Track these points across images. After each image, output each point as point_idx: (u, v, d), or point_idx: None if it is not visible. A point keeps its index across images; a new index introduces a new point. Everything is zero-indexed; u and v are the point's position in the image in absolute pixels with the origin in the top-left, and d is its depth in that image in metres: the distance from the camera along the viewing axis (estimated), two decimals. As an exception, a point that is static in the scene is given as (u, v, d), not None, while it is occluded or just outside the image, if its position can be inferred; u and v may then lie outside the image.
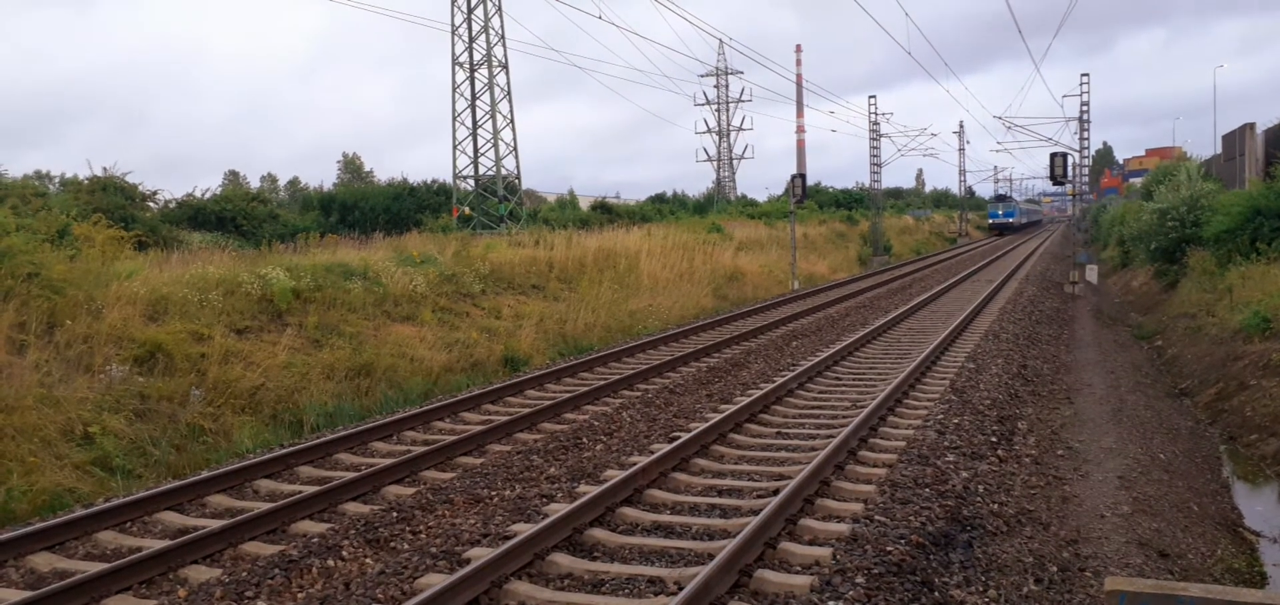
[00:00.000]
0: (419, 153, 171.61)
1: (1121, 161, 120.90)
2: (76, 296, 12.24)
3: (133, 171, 31.77)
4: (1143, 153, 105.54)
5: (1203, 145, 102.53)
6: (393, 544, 7.08)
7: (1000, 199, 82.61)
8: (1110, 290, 29.89)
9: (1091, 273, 28.94)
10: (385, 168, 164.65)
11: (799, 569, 6.28)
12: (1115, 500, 8.28)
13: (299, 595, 6.18)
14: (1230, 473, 10.36)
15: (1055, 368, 15.02)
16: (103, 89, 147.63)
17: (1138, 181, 65.50)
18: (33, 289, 11.87)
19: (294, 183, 73.16)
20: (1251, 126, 29.39)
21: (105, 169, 28.63)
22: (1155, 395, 13.59)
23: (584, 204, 56.80)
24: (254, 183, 69.32)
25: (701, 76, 79.35)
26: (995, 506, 7.82)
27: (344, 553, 6.85)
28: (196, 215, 32.45)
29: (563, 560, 6.47)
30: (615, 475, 8.31)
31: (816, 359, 14.20)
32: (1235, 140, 30.81)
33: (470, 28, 36.53)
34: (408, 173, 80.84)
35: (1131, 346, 18.37)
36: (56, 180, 45.67)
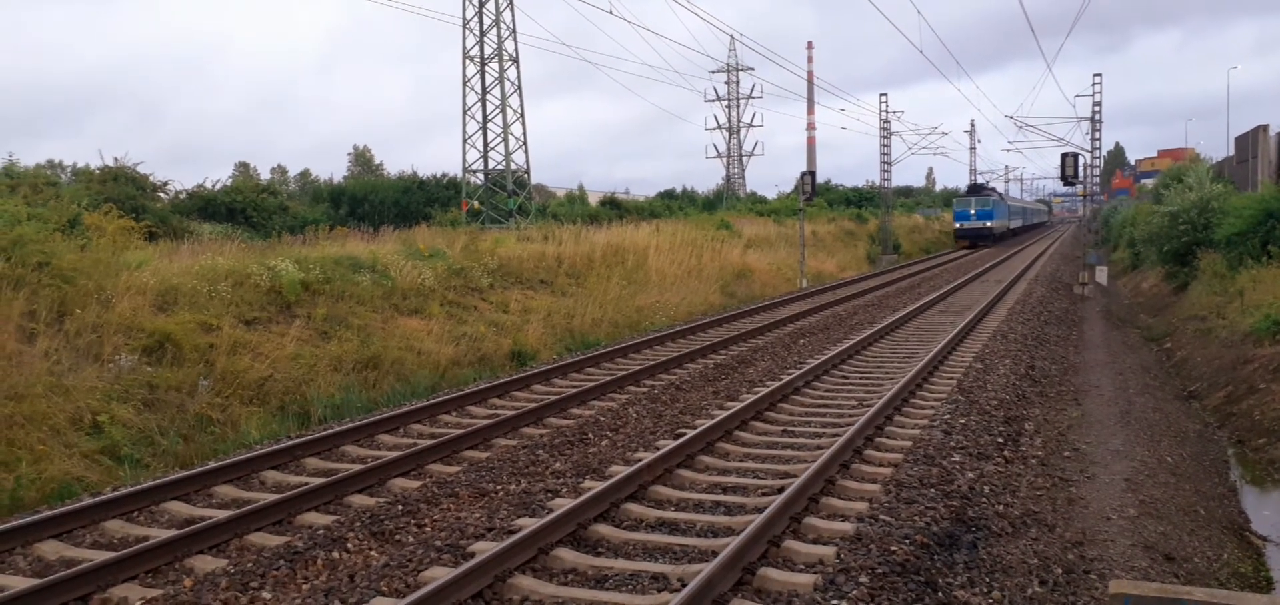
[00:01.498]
0: (431, 147, 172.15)
1: (1133, 162, 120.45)
2: (86, 286, 12.29)
3: (144, 162, 31.92)
4: (1155, 154, 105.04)
5: (1216, 147, 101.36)
6: (398, 537, 7.10)
7: (975, 192, 57.94)
8: (1120, 292, 29.77)
9: (1101, 274, 28.83)
10: (398, 162, 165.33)
11: (803, 567, 6.28)
12: (1121, 503, 8.25)
13: (304, 587, 6.20)
14: (1238, 477, 10.32)
15: (1063, 369, 14.97)
16: (121, 81, 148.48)
17: (1149, 183, 65.22)
18: (43, 278, 11.93)
19: (304, 175, 73.34)
20: (1265, 128, 29.19)
21: (117, 159, 28.82)
22: (1164, 398, 13.53)
23: (593, 199, 56.85)
24: (265, 175, 69.50)
25: (712, 73, 79.31)
26: (1001, 507, 7.81)
27: (349, 545, 6.88)
28: (207, 206, 32.56)
29: (567, 555, 6.48)
30: (620, 471, 8.32)
31: (823, 357, 14.18)
32: (1248, 142, 30.61)
33: (481, 22, 36.58)
34: (419, 167, 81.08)
35: (1140, 348, 18.30)
36: (68, 170, 45.91)
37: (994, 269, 35.37)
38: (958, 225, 55.24)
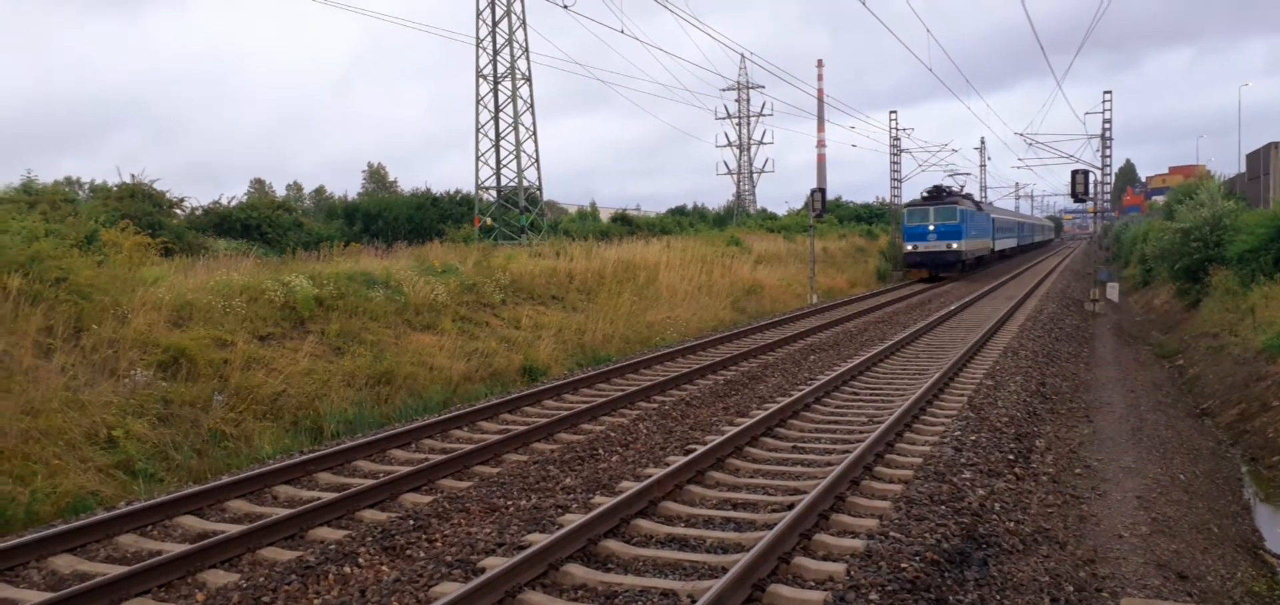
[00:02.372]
0: (446, 163, 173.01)
1: (1144, 179, 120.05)
2: (103, 301, 12.41)
3: (160, 178, 32.16)
4: (1166, 171, 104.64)
5: (1228, 164, 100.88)
6: (409, 552, 7.13)
7: (935, 198, 40.41)
8: (1132, 309, 29.64)
9: (1112, 291, 28.72)
10: (414, 178, 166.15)
11: (812, 584, 6.28)
12: (1134, 520, 8.22)
13: (315, 601, 6.24)
14: (1252, 494, 10.26)
15: (1074, 386, 14.92)
16: (144, 98, 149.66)
17: (1160, 200, 64.84)
18: (60, 294, 12.05)
19: (319, 191, 73.75)
20: (1276, 145, 29.09)
21: (134, 176, 29.08)
22: (1176, 415, 13.47)
23: (605, 216, 57.00)
24: (280, 192, 69.86)
25: (723, 91, 79.42)
26: (1012, 525, 7.79)
27: (361, 560, 6.92)
28: (222, 223, 32.78)
29: (577, 571, 6.50)
30: (630, 487, 8.34)
31: (834, 373, 14.17)
32: (1260, 159, 30.52)
33: (495, 41, 36.83)
34: (434, 183, 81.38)
35: (1152, 365, 18.22)
36: (86, 187, 46.28)
37: (1005, 285, 35.28)
38: (908, 247, 39.34)
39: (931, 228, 38.45)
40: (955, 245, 38.08)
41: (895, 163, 51.44)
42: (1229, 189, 31.68)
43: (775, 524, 7.06)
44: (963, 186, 47.36)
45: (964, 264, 39.37)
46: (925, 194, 40.69)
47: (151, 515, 7.97)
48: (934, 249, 38.35)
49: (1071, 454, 10.51)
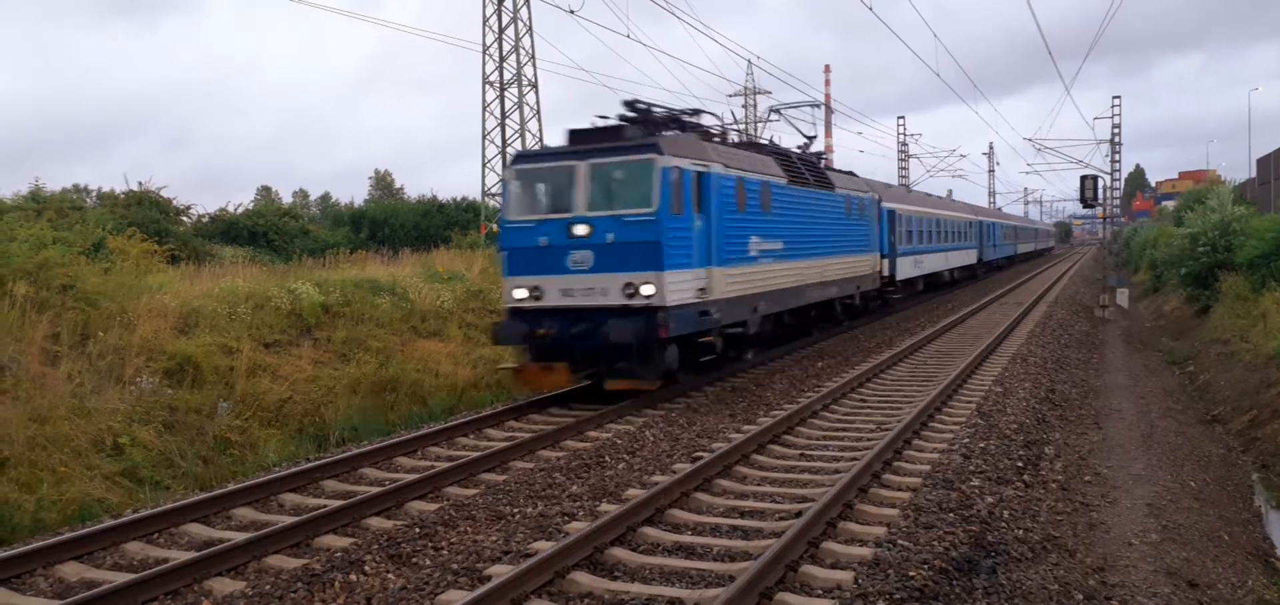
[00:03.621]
0: (455, 170, 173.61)
1: (1154, 184, 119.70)
2: (109, 308, 12.44)
3: (168, 186, 32.30)
4: (1176, 176, 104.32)
5: (1238, 169, 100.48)
6: (415, 559, 7.11)
7: (593, 140, 12.53)
8: (1141, 315, 29.53)
9: (1122, 297, 28.62)
10: (421, 185, 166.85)
11: (820, 592, 6.25)
12: (1143, 528, 8.16)
13: (321, 609, 6.21)
14: (1263, 502, 10.20)
15: (1084, 392, 14.84)
16: (157, 106, 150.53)
17: (1170, 205, 64.61)
18: (67, 301, 12.08)
19: (325, 198, 73.93)
20: (1286, 150, 28.97)
21: (141, 184, 29.19)
22: (1186, 422, 13.39)
23: (611, 222, 56.94)
24: (287, 198, 70.03)
25: (730, 96, 79.37)
26: (1020, 532, 7.73)
27: (366, 567, 6.90)
28: (229, 230, 32.87)
29: (583, 579, 6.47)
30: (637, 494, 8.30)
31: (841, 379, 14.13)
32: (1270, 164, 30.39)
33: (501, 48, 36.91)
34: (441, 190, 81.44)
35: (1162, 372, 18.13)
36: (93, 194, 46.45)
37: (1014, 291, 35.18)
38: (513, 292, 12.57)
39: (577, 229, 12.26)
40: (647, 289, 11.99)
41: (903, 168, 51.41)
42: (1239, 194, 31.56)
43: (783, 532, 7.02)
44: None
45: (688, 343, 13.19)
46: (573, 132, 13.34)
47: (158, 523, 7.95)
48: (579, 297, 12.40)
49: (1081, 461, 10.44)
